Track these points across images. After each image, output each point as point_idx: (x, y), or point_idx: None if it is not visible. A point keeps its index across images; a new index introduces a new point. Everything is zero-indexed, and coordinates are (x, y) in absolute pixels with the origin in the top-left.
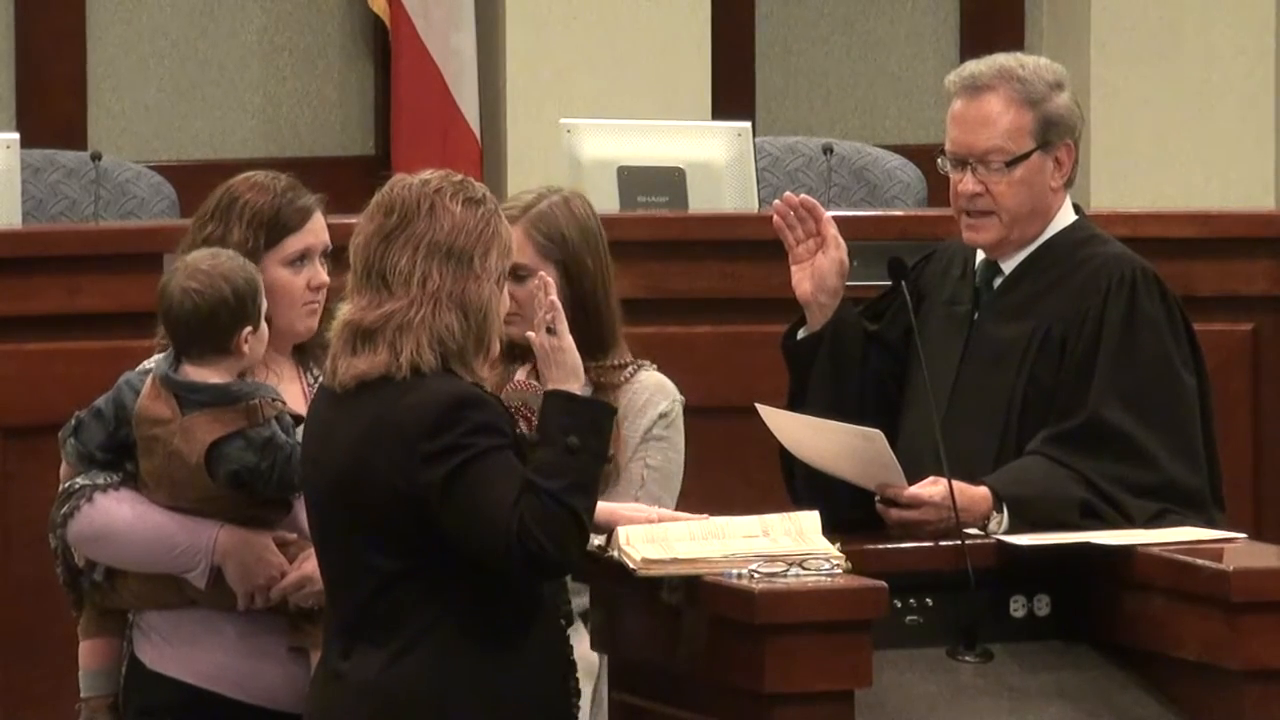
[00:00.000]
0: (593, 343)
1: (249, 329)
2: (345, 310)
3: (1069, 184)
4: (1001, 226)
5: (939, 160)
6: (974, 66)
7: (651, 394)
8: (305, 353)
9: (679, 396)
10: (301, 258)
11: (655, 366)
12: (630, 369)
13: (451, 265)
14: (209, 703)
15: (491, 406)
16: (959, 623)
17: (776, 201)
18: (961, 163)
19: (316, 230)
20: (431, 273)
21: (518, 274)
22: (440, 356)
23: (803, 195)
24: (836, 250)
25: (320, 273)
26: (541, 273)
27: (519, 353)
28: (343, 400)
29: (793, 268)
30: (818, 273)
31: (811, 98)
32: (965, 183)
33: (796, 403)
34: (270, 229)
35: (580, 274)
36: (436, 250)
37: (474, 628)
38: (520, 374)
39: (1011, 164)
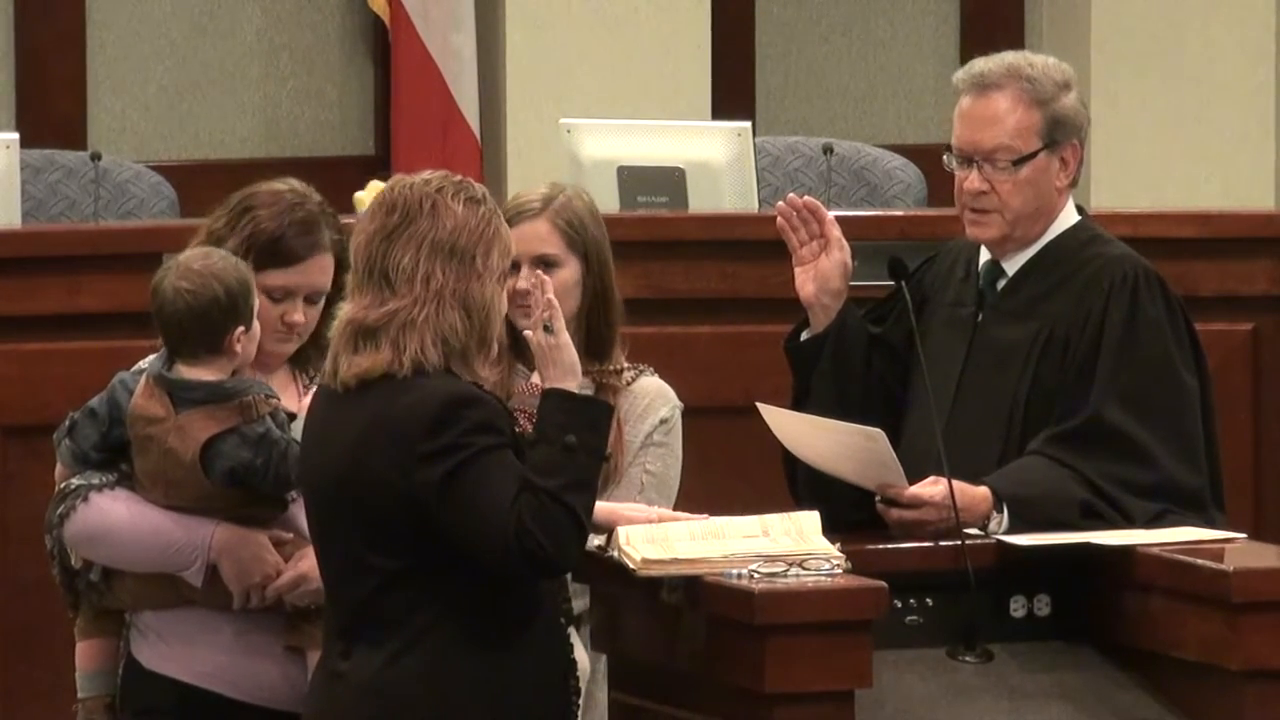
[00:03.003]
0: (604, 341)
1: (241, 328)
2: (346, 309)
3: (1074, 184)
4: (1005, 224)
5: (944, 157)
6: (983, 64)
7: (653, 399)
8: (300, 354)
9: (678, 403)
10: (284, 294)
11: (653, 371)
12: (631, 373)
13: (454, 264)
14: (206, 702)
15: (490, 405)
16: (959, 623)
17: (780, 203)
18: (967, 160)
19: (308, 273)
20: (435, 271)
21: (546, 263)
22: (443, 355)
23: (806, 197)
24: (840, 252)
25: (296, 312)
26: (539, 271)
27: (523, 351)
28: (342, 399)
29: (796, 269)
30: (821, 274)
31: (811, 98)
32: (971, 180)
33: (800, 404)
34: (260, 254)
35: (601, 267)
36: (439, 249)
37: (474, 627)
38: (536, 376)
39: (1018, 163)
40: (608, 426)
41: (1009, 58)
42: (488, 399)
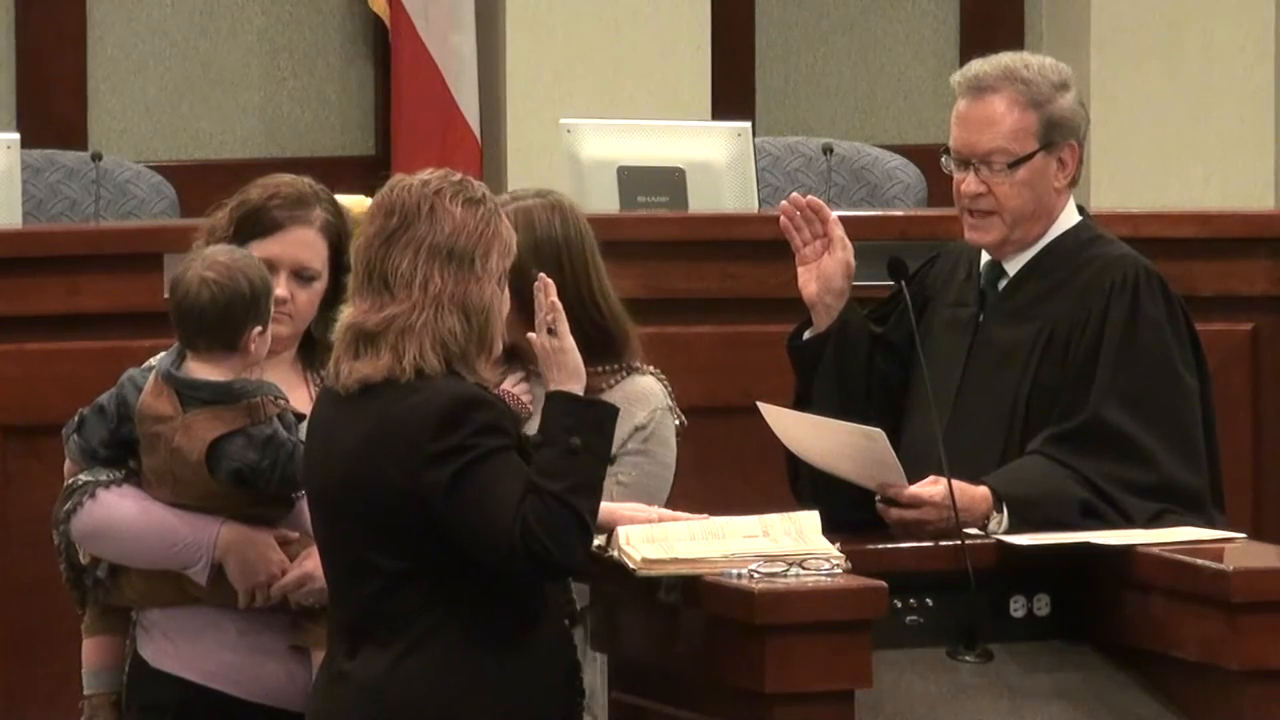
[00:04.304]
0: (586, 345)
1: (259, 328)
2: (348, 313)
3: (1074, 184)
4: (1004, 226)
5: (942, 159)
6: (979, 66)
7: (629, 405)
8: (311, 355)
9: (663, 404)
10: (267, 266)
11: (650, 369)
12: (620, 374)
13: (453, 267)
14: (210, 700)
15: (495, 407)
16: (959, 623)
17: (783, 202)
18: (964, 163)
19: (288, 244)
20: (433, 275)
21: None
22: (443, 359)
23: (809, 196)
24: (843, 251)
25: (278, 286)
26: (542, 274)
27: (518, 354)
28: (346, 401)
29: (799, 269)
30: (824, 274)
31: (811, 98)
32: (968, 183)
33: (802, 404)
34: (240, 225)
35: (521, 281)
36: (437, 253)
37: (478, 628)
38: (507, 383)
39: (1014, 165)
40: (612, 429)
41: (1005, 59)
42: (494, 400)
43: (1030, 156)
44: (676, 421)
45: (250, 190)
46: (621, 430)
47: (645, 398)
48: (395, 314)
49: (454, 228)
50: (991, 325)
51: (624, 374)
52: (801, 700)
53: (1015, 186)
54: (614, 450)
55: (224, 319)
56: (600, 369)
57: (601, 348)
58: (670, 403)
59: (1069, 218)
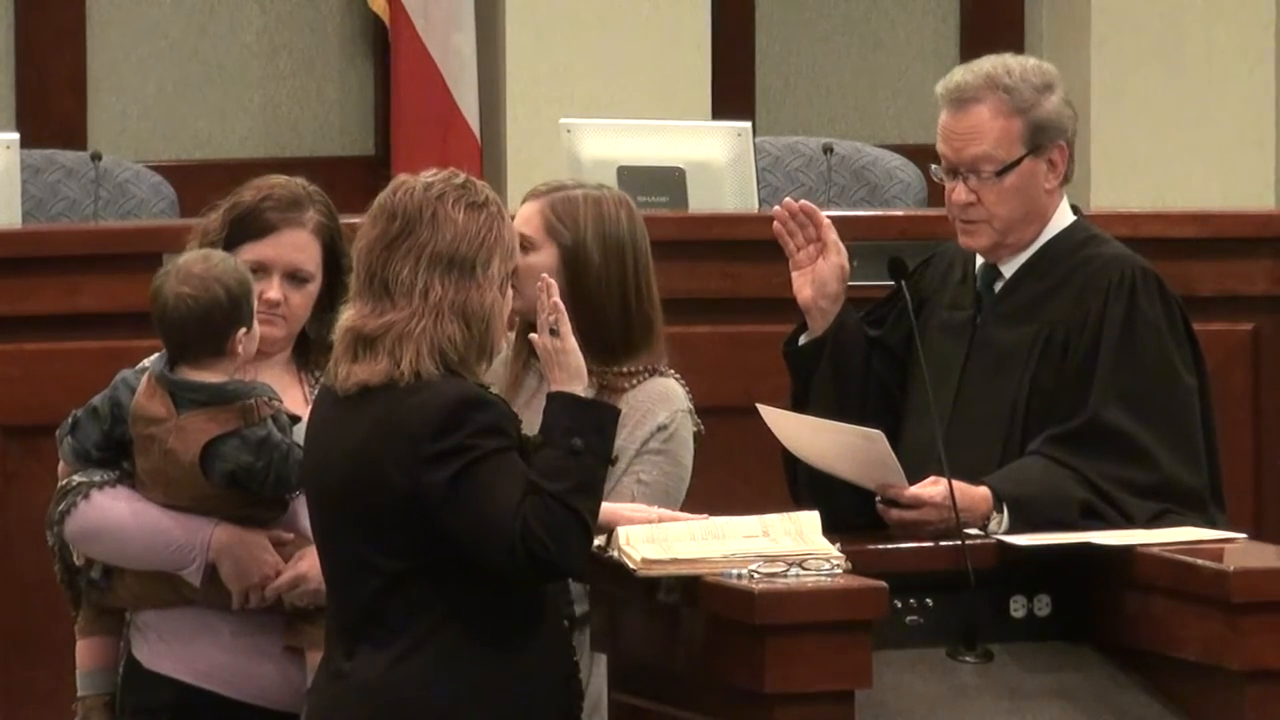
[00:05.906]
0: (592, 345)
1: (243, 330)
2: (348, 315)
3: (1065, 181)
4: (995, 232)
5: (933, 169)
6: (961, 76)
7: (653, 404)
8: (306, 356)
9: (684, 407)
10: (258, 268)
11: (673, 374)
12: (641, 376)
13: (454, 275)
14: (205, 701)
15: (496, 408)
16: (959, 623)
17: (776, 207)
18: (953, 172)
19: (281, 246)
20: (434, 284)
21: (521, 245)
22: (441, 365)
23: (802, 201)
24: (837, 255)
25: (271, 289)
26: (544, 274)
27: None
28: (345, 402)
29: (793, 273)
30: (818, 278)
31: (811, 98)
32: (958, 192)
33: (799, 407)
34: (233, 228)
35: (583, 268)
36: (438, 261)
37: (478, 629)
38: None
39: (1002, 172)
40: (613, 430)
41: (986, 67)
42: (495, 401)
43: (1018, 163)
44: (695, 429)
45: (243, 192)
46: (644, 429)
47: (669, 398)
48: (394, 320)
49: (455, 234)
50: (989, 327)
51: (647, 375)
52: (801, 700)
53: (1004, 193)
54: (635, 448)
55: (205, 330)
56: (627, 369)
57: (641, 347)
58: (690, 407)
59: (1063, 218)
